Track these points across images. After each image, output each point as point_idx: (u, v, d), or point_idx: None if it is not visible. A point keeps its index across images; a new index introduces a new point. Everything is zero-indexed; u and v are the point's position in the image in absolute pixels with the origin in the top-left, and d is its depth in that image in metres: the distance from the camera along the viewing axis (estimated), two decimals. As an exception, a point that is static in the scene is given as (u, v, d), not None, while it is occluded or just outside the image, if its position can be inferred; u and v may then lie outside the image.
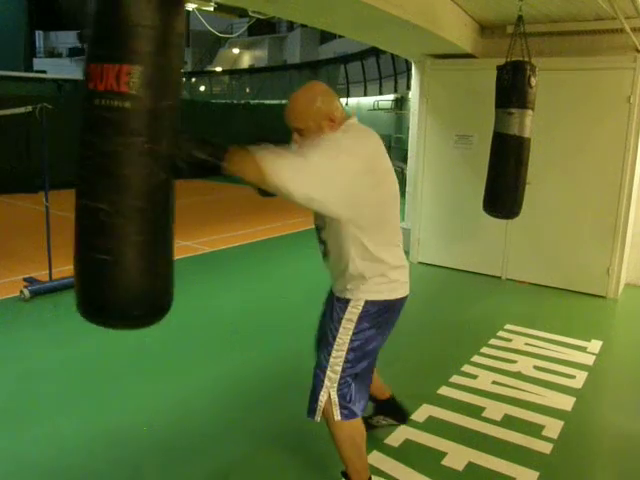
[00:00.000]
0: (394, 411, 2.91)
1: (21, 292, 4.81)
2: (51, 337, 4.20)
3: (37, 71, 31.49)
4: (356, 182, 1.92)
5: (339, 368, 2.16)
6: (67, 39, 37.53)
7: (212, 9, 4.05)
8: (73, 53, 37.22)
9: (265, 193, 1.92)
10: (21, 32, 35.61)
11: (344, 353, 2.15)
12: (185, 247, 6.93)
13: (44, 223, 5.04)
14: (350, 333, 2.15)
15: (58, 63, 35.60)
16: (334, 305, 2.22)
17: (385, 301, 2.16)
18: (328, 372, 2.17)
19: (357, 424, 2.24)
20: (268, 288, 5.58)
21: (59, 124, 5.57)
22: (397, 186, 2.18)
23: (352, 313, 2.15)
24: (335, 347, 2.16)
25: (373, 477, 2.53)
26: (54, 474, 2.58)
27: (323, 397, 2.17)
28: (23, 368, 3.66)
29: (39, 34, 38.08)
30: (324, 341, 2.23)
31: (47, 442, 2.82)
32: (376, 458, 2.71)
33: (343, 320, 2.16)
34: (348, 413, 2.17)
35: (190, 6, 3.93)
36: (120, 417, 3.07)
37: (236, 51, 31.47)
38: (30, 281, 5.04)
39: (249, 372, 3.66)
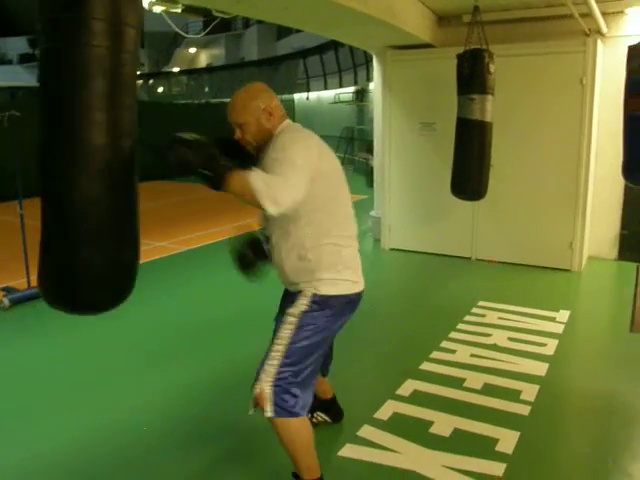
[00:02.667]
0: (334, 411, 2.93)
1: (1, 301, 4.82)
2: (34, 343, 4.24)
3: (-15, 79, 30.73)
4: (311, 175, 2.06)
5: (277, 362, 2.14)
6: (17, 45, 36.64)
7: (180, 11, 4.14)
8: (24, 59, 36.34)
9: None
10: (-33, 38, 34.72)
11: (283, 348, 2.15)
12: (160, 247, 6.98)
13: (15, 232, 5.05)
14: (291, 329, 2.17)
15: (8, 70, 34.70)
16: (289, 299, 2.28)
17: (332, 296, 2.19)
18: (265, 366, 2.16)
19: (298, 422, 2.19)
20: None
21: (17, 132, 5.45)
22: (346, 187, 2.29)
23: (296, 308, 2.18)
24: (275, 342, 2.18)
25: (368, 449, 2.71)
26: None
27: (256, 391, 2.15)
28: (11, 372, 3.71)
29: (-14, 40, 37.07)
30: (273, 337, 2.25)
31: (38, 439, 2.90)
32: (367, 431, 2.87)
33: (287, 316, 2.20)
34: (283, 412, 2.13)
35: (158, 9, 4.00)
36: (100, 415, 3.16)
37: (193, 50, 31.24)
38: (8, 290, 5.04)
39: (223, 369, 3.76)
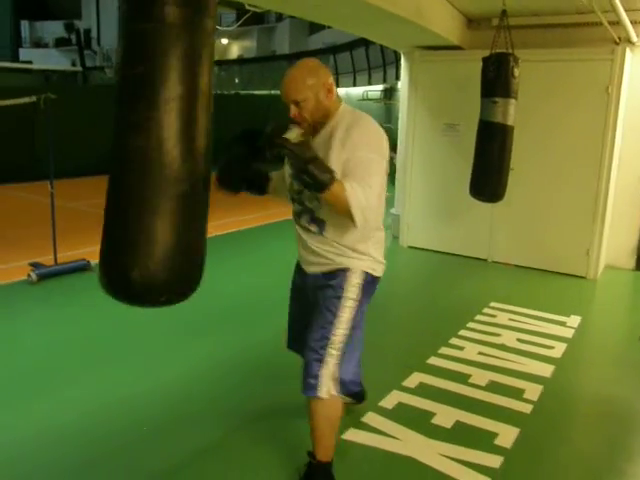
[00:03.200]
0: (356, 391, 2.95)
1: (29, 275, 5.02)
2: (56, 315, 4.43)
3: (23, 62, 31.34)
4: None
5: (341, 345, 2.23)
6: (54, 29, 37.23)
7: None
8: (60, 43, 36.94)
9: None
10: (6, 22, 35.38)
11: (347, 331, 2.24)
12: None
13: (44, 211, 5.23)
14: (353, 309, 2.24)
15: (44, 54, 35.30)
16: (324, 286, 2.28)
17: (376, 277, 2.32)
18: (329, 349, 2.21)
19: (339, 402, 2.32)
20: (263, 269, 5.82)
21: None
22: None
23: (353, 288, 2.23)
24: (338, 325, 2.22)
25: (370, 435, 2.82)
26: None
27: (324, 372, 2.20)
28: (35, 342, 3.89)
29: (25, 24, 37.71)
30: (321, 319, 2.25)
31: (60, 407, 3.06)
32: (371, 418, 2.97)
33: (344, 297, 2.23)
34: (338, 386, 2.26)
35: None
36: (118, 388, 3.31)
37: (225, 42, 31.45)
38: (35, 266, 5.23)
39: (227, 356, 3.82)
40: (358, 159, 2.06)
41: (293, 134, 2.06)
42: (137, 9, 1.44)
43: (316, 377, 2.21)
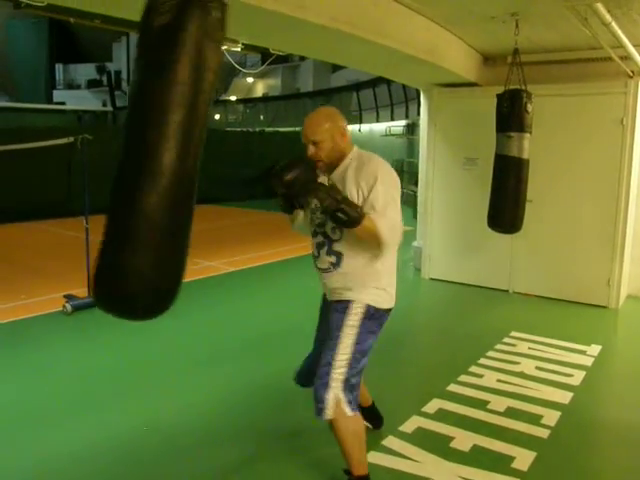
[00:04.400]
0: (373, 417, 3.15)
1: (64, 307, 5.25)
2: (89, 345, 4.63)
3: (57, 103, 32.54)
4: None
5: (344, 370, 2.37)
6: (86, 71, 38.67)
7: (239, 49, 4.54)
8: (92, 85, 38.30)
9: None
10: (42, 65, 36.87)
11: (348, 356, 2.38)
12: (209, 267, 7.37)
13: (77, 246, 5.49)
14: (354, 337, 2.40)
15: (76, 95, 36.59)
16: (334, 311, 2.48)
17: (382, 309, 2.47)
18: (332, 374, 2.36)
19: (359, 418, 2.47)
20: (288, 303, 5.98)
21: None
22: None
23: (354, 318, 2.41)
24: (339, 351, 2.38)
25: (390, 457, 2.92)
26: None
27: (329, 397, 2.35)
28: (69, 370, 4.09)
29: (59, 67, 39.26)
30: (327, 346, 2.44)
31: (92, 430, 3.22)
32: (391, 441, 3.08)
33: (346, 326, 2.41)
34: (353, 406, 2.39)
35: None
36: (149, 414, 3.47)
37: (250, 80, 32.28)
38: (69, 297, 5.47)
39: (261, 379, 4.02)
40: (376, 192, 2.31)
41: (324, 179, 2.35)
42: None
43: (322, 401, 2.37)
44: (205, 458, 2.98)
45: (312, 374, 2.51)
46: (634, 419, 3.51)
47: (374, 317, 2.46)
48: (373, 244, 2.32)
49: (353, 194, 2.33)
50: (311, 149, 2.41)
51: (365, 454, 2.52)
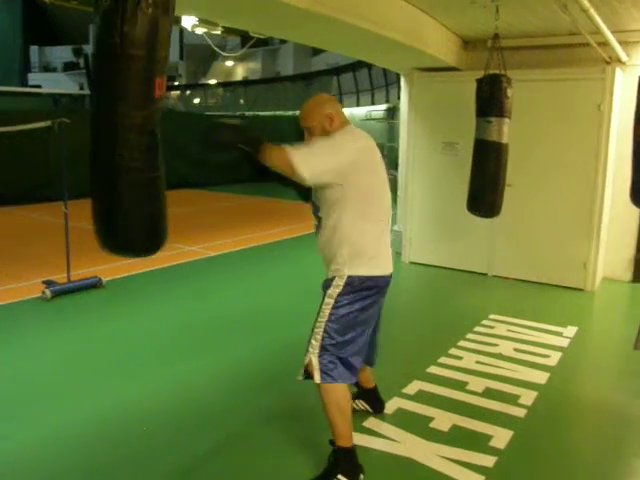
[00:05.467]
0: (374, 400, 3.23)
1: (43, 292, 5.21)
2: (70, 330, 4.61)
3: (32, 86, 31.92)
4: (344, 164, 2.43)
5: (319, 337, 2.52)
6: (62, 54, 37.92)
7: (220, 32, 4.50)
8: (68, 67, 37.59)
9: (284, 183, 2.52)
10: (16, 48, 36.06)
11: (324, 323, 2.52)
12: (190, 252, 7.35)
13: (58, 231, 5.43)
14: (330, 306, 2.53)
15: (53, 78, 35.90)
16: (324, 286, 2.61)
17: (365, 277, 2.52)
18: (312, 340, 2.54)
19: (342, 389, 2.54)
20: (269, 285, 6.00)
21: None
22: (387, 185, 2.62)
23: (335, 287, 2.52)
24: (318, 318, 2.55)
25: (371, 438, 2.97)
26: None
27: (306, 360, 2.54)
28: (49, 356, 4.08)
29: (34, 49, 38.44)
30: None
31: (75, 417, 3.23)
32: (372, 423, 3.13)
33: (326, 295, 2.55)
34: (327, 377, 2.49)
35: (200, 30, 4.36)
36: (135, 398, 3.48)
37: (230, 64, 31.95)
38: (49, 283, 5.43)
39: (252, 360, 4.06)
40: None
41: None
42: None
43: (302, 364, 2.57)
44: (185, 442, 3.00)
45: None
46: (608, 398, 3.60)
47: (357, 286, 2.52)
48: (288, 172, 2.35)
49: None
50: (306, 135, 2.61)
51: (349, 427, 2.59)
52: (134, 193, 1.97)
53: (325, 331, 2.51)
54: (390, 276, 2.66)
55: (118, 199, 1.97)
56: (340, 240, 2.51)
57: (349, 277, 2.51)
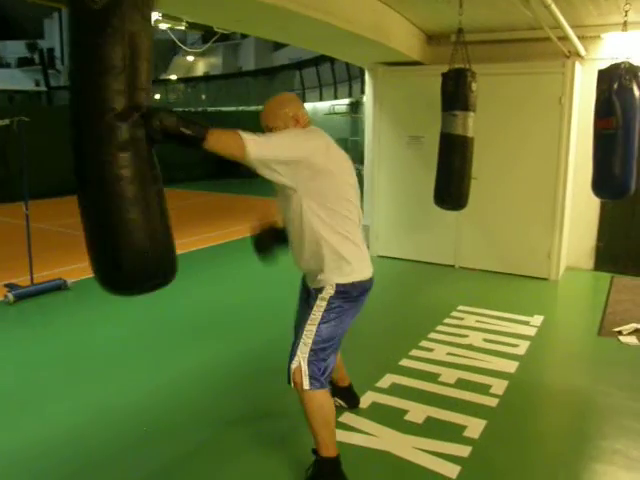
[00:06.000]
0: (349, 397, 3.25)
1: (5, 296, 5.07)
2: (35, 334, 4.50)
3: (-17, 82, 30.98)
4: (302, 160, 2.30)
5: (310, 340, 2.45)
6: (16, 49, 36.87)
7: (183, 28, 4.43)
8: (23, 63, 36.58)
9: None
10: (-33, 42, 34.96)
11: (315, 327, 2.46)
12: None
13: (18, 233, 5.28)
14: (322, 309, 2.48)
15: (6, 74, 34.90)
16: (311, 293, 2.56)
17: (349, 284, 2.49)
18: (301, 344, 2.47)
19: (326, 396, 2.49)
20: (239, 284, 5.96)
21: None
22: (354, 179, 2.55)
23: (326, 293, 2.47)
24: (309, 322, 2.48)
25: (347, 433, 2.97)
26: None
27: (294, 366, 2.45)
28: (15, 361, 3.97)
29: (-14, 44, 37.33)
30: (303, 319, 2.55)
31: (45, 422, 3.15)
32: (348, 418, 3.14)
33: (318, 298, 2.49)
34: (316, 383, 2.44)
35: (164, 25, 4.28)
36: (104, 400, 3.43)
37: (190, 59, 31.55)
38: (12, 287, 5.28)
39: (218, 362, 4.00)
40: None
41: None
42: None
43: (289, 370, 2.49)
44: (159, 446, 2.96)
45: None
46: (576, 384, 3.70)
47: (348, 292, 2.49)
48: (237, 153, 2.16)
49: None
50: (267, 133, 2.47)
51: (332, 435, 2.53)
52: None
53: (317, 334, 2.46)
54: (373, 276, 2.62)
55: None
56: (322, 252, 2.44)
57: (339, 285, 2.47)
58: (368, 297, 2.63)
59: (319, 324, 2.48)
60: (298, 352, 2.47)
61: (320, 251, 2.44)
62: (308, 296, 2.64)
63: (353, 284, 2.50)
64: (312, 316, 2.50)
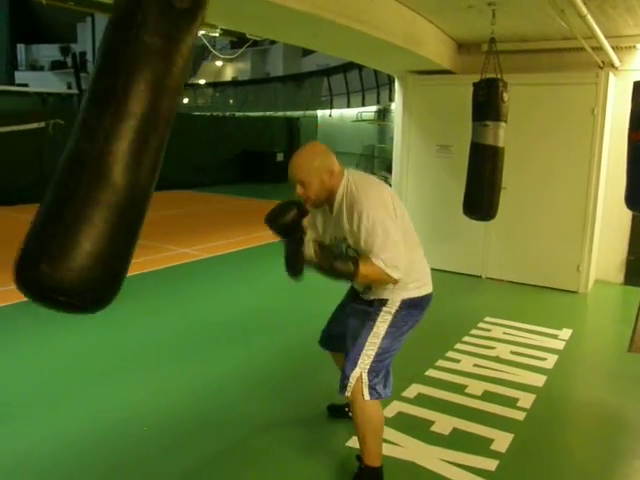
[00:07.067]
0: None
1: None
2: (68, 331, 4.58)
3: (19, 84, 31.62)
4: (397, 222, 2.41)
5: (373, 353, 2.49)
6: (49, 52, 37.60)
7: (217, 34, 4.48)
8: (55, 66, 37.30)
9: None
10: (2, 45, 35.72)
11: (379, 341, 2.50)
12: (183, 254, 7.32)
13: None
14: (387, 325, 2.52)
15: (40, 76, 35.62)
16: (372, 304, 2.57)
17: (415, 298, 2.56)
18: (363, 355, 2.48)
19: (378, 408, 2.53)
20: (265, 289, 5.98)
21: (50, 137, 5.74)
22: (408, 218, 2.60)
23: (391, 307, 2.52)
24: (372, 335, 2.51)
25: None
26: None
27: (355, 376, 2.47)
28: (39, 361, 4.04)
29: (21, 47, 38.11)
30: (361, 329, 2.55)
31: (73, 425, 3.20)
32: (373, 426, 3.12)
33: (382, 312, 2.52)
34: (375, 393, 2.48)
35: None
36: (131, 402, 3.47)
37: (219, 64, 31.85)
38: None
39: (254, 362, 4.06)
40: (366, 232, 2.32)
41: (310, 246, 2.40)
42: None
43: (347, 378, 2.49)
44: (186, 448, 2.99)
45: (333, 338, 2.87)
46: (605, 400, 3.63)
47: (412, 306, 2.56)
48: (387, 282, 2.39)
49: (352, 233, 2.38)
50: (299, 189, 2.41)
51: (379, 446, 2.56)
52: None
53: (380, 347, 2.50)
54: (431, 294, 2.71)
55: None
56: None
57: (404, 300, 2.53)
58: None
59: (383, 338, 2.51)
60: (359, 363, 2.49)
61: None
62: (356, 296, 2.67)
63: (419, 298, 2.57)
64: (375, 330, 2.52)
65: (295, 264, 2.43)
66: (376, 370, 2.49)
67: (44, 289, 1.44)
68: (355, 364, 2.49)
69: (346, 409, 3.11)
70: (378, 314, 2.53)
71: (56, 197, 1.51)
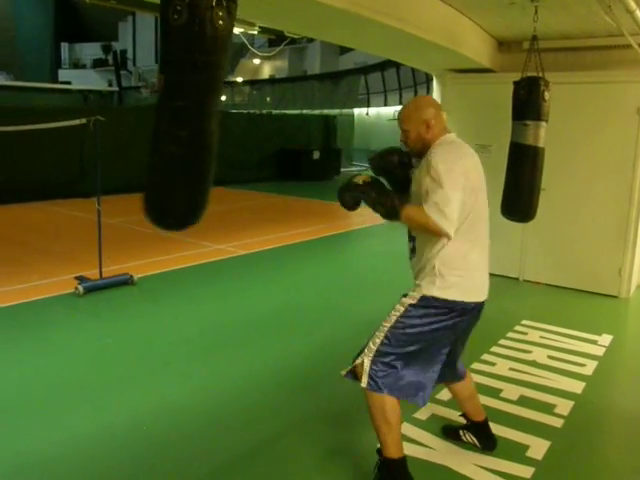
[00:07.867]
0: (483, 436, 2.96)
1: (76, 288, 5.27)
2: (106, 326, 4.66)
3: (62, 82, 32.42)
4: (465, 193, 2.38)
5: (379, 340, 2.45)
6: (91, 50, 38.43)
7: (256, 32, 4.50)
8: (97, 64, 38.11)
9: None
10: (47, 44, 36.65)
11: (387, 328, 2.46)
12: (219, 250, 7.38)
13: (88, 227, 5.47)
14: (399, 313, 2.46)
15: (82, 74, 36.44)
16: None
17: (440, 299, 2.42)
18: (369, 342, 2.48)
19: (388, 399, 2.44)
20: (302, 284, 5.99)
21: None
22: (487, 203, 2.59)
23: (409, 297, 2.47)
24: (384, 322, 2.49)
25: (406, 444, 2.91)
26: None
27: (358, 361, 2.47)
28: (84, 351, 4.12)
29: (64, 46, 39.04)
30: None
31: (108, 412, 3.25)
32: (406, 428, 3.08)
33: (398, 302, 2.49)
34: (373, 385, 2.42)
35: (237, 30, 4.36)
36: (168, 397, 3.52)
37: (257, 62, 32.07)
38: (82, 279, 5.49)
39: (287, 360, 4.06)
40: (426, 183, 2.35)
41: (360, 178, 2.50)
42: None
43: (352, 362, 2.51)
44: (218, 445, 3.01)
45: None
46: (646, 410, 3.53)
47: (431, 305, 2.44)
48: (428, 232, 2.37)
49: (424, 185, 2.37)
50: (402, 135, 2.57)
51: (393, 436, 2.49)
52: None
53: (386, 337, 2.45)
54: (477, 303, 2.63)
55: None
56: (432, 265, 2.43)
57: (425, 296, 2.44)
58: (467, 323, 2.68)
59: (391, 327, 2.46)
60: (365, 349, 2.49)
61: (432, 266, 2.43)
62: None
63: (446, 301, 2.44)
64: (387, 317, 2.50)
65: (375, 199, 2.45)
66: (380, 361, 2.44)
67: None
68: (362, 349, 2.51)
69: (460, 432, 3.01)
70: (396, 304, 2.50)
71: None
